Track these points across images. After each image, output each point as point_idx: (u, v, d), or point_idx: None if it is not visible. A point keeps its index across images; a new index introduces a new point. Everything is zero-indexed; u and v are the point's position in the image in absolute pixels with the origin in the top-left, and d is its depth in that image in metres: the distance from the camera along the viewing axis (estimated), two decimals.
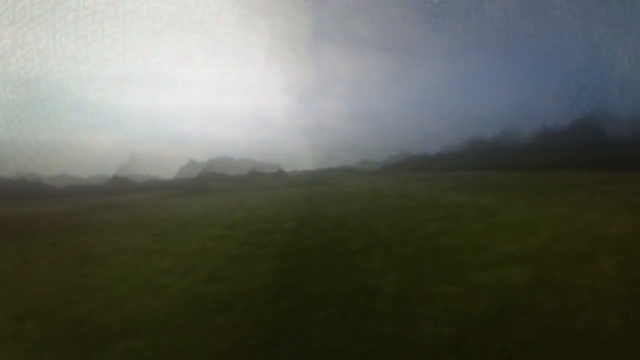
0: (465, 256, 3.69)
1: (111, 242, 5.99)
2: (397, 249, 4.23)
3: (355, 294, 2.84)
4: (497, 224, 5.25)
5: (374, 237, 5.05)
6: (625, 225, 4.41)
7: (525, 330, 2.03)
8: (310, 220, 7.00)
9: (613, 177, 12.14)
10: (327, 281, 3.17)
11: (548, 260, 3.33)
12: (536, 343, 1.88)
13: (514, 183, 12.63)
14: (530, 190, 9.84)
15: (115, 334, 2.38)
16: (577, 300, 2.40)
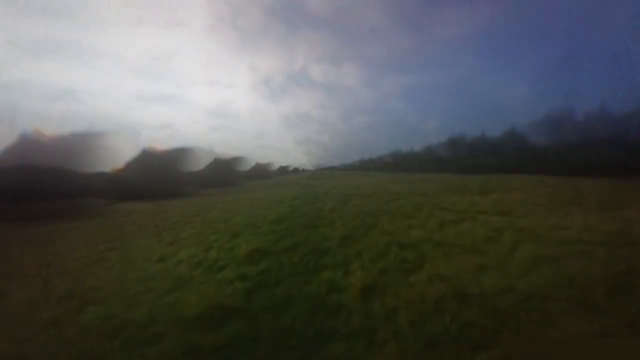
0: (425, 250, 4.33)
1: (36, 257, 5.34)
2: (367, 247, 4.53)
3: (323, 293, 3.08)
4: (450, 220, 5.93)
5: (348, 237, 5.21)
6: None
7: (473, 311, 2.57)
8: (284, 221, 6.89)
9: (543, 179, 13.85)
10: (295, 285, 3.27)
11: (490, 249, 4.10)
12: (483, 323, 2.40)
13: (470, 183, 13.86)
14: (481, 189, 10.79)
15: None
16: (512, 279, 3.08)
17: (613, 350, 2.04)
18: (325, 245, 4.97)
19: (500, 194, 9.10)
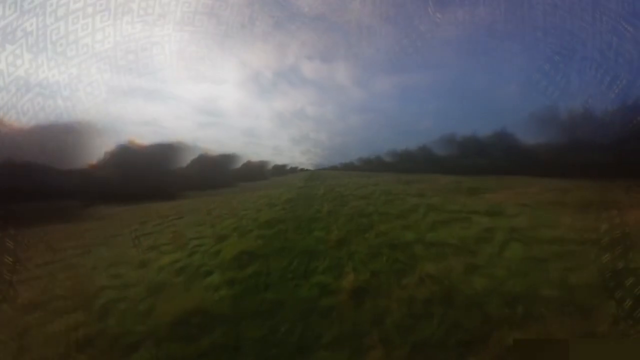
0: (418, 250, 4.37)
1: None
2: (361, 250, 4.57)
3: (315, 297, 3.09)
4: (443, 221, 6.01)
5: (342, 240, 5.23)
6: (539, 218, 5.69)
7: (461, 311, 2.64)
8: (272, 223, 6.86)
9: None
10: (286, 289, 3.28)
11: (480, 249, 4.18)
12: (471, 324, 2.45)
13: (463, 184, 14.18)
14: (473, 190, 11.15)
15: None
16: (501, 279, 3.18)
17: (599, 349, 2.10)
18: (319, 247, 4.94)
19: (492, 195, 9.34)
